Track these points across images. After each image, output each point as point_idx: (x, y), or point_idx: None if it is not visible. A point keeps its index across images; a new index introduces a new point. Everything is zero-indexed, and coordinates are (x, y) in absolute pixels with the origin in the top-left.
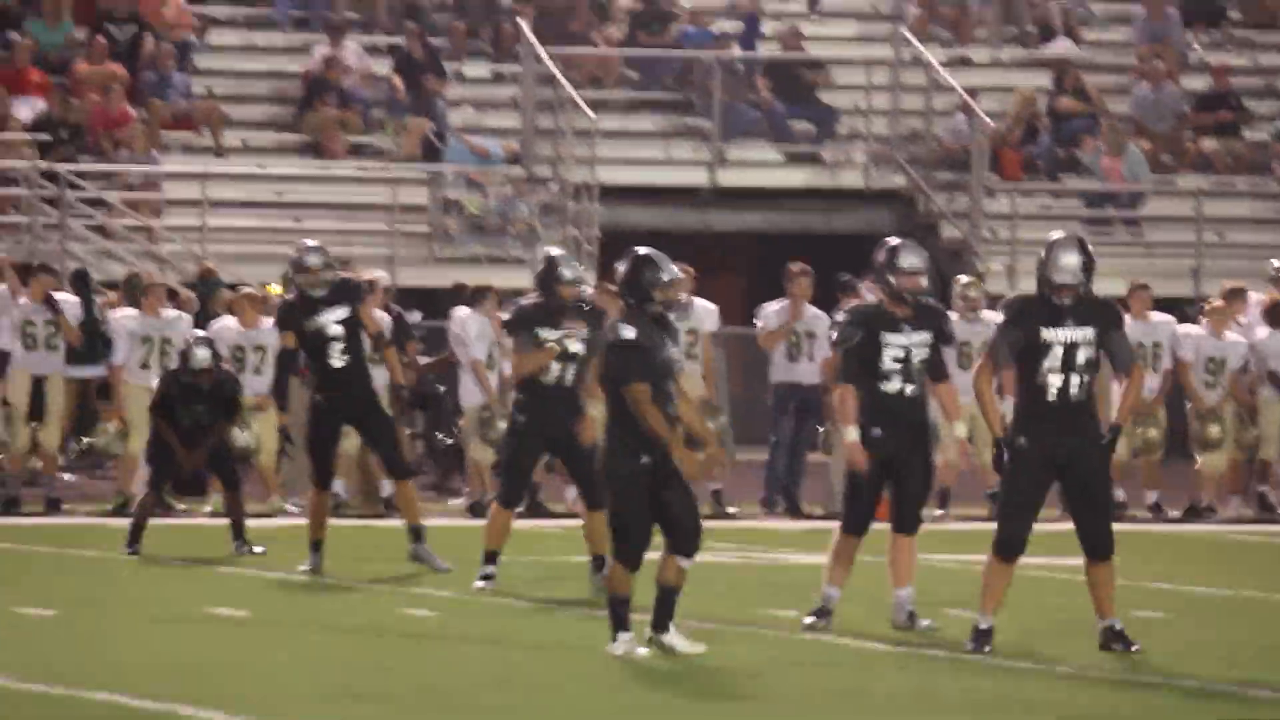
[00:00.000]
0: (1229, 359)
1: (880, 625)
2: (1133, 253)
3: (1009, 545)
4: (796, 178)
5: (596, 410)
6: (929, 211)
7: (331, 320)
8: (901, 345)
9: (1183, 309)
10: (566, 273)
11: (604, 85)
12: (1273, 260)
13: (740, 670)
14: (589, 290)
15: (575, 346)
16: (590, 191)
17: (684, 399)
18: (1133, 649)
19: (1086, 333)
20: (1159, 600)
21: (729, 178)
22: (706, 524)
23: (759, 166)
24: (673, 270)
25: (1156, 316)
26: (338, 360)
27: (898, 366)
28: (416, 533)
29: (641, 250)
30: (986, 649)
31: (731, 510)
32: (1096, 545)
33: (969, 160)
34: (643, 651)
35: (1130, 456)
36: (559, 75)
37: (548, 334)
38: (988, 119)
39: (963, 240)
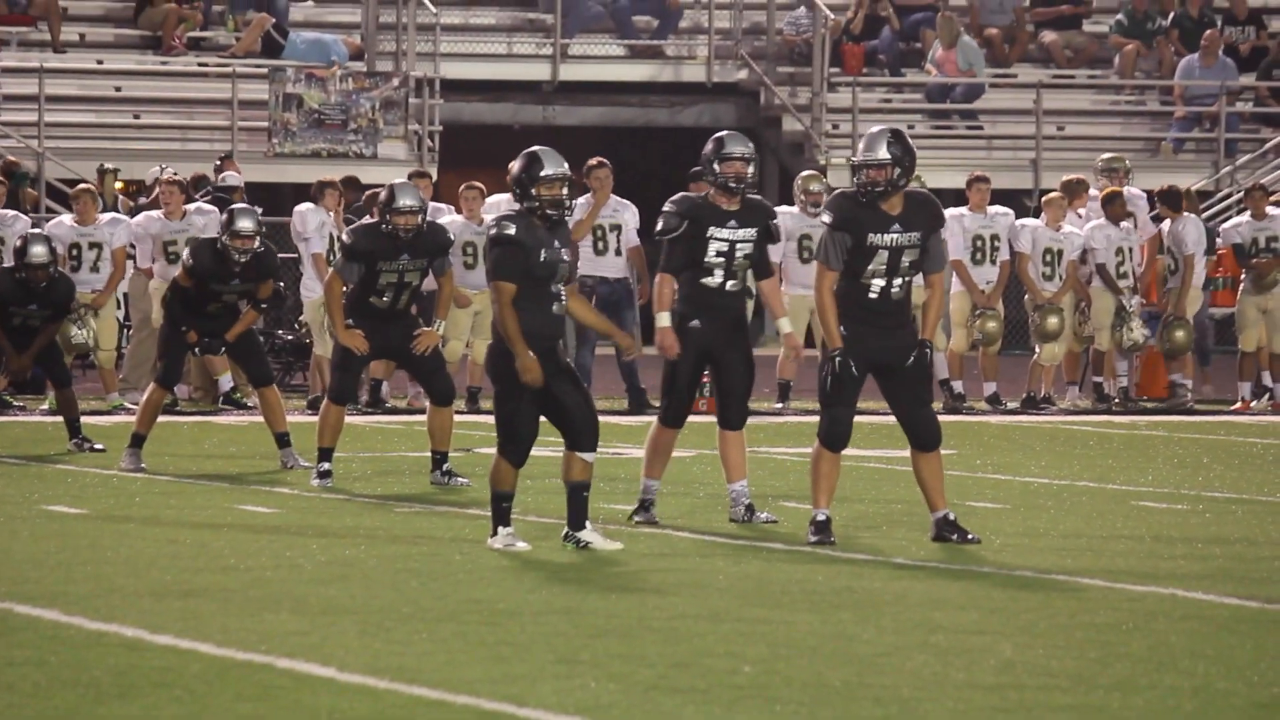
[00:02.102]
0: (1066, 250)
1: (714, 518)
2: (972, 145)
3: (835, 437)
4: (639, 72)
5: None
6: (771, 105)
7: (235, 290)
8: (726, 239)
9: (1022, 201)
10: (405, 201)
11: None
12: (1102, 153)
13: (579, 563)
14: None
15: (411, 277)
16: (432, 86)
17: (574, 297)
18: (969, 539)
19: (912, 236)
20: (997, 491)
21: (571, 72)
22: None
23: (601, 61)
24: (559, 167)
25: (994, 209)
26: (223, 302)
27: (720, 260)
28: (282, 439)
29: (533, 148)
30: (831, 540)
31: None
32: (921, 437)
33: (811, 54)
34: (522, 545)
35: (969, 348)
36: None
37: (385, 265)
38: (829, 13)
39: (804, 134)
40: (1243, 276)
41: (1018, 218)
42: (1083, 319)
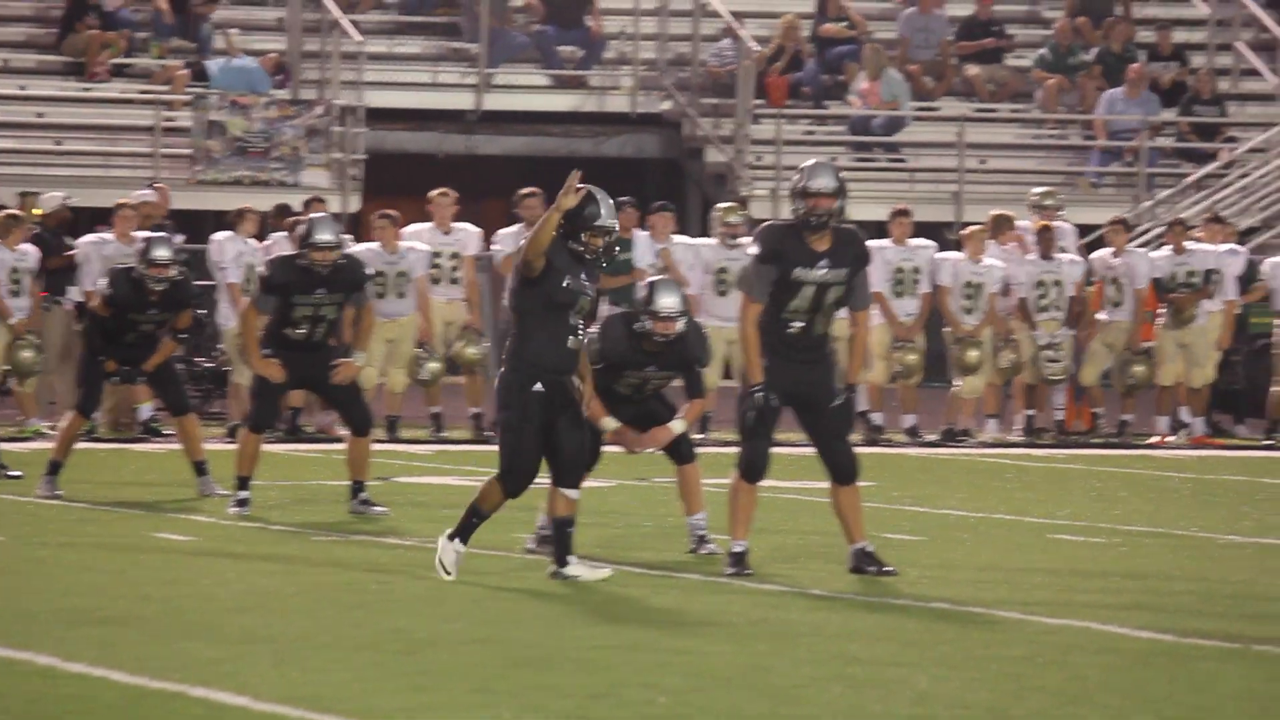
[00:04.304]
0: (986, 284)
1: (631, 549)
2: (894, 178)
3: (754, 468)
4: (563, 102)
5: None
6: (694, 136)
7: (152, 319)
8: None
9: (943, 234)
10: (323, 237)
11: (371, 8)
12: (1029, 187)
13: (497, 592)
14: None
15: (327, 311)
16: (356, 114)
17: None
18: (886, 571)
19: (839, 273)
20: (914, 523)
21: (495, 101)
22: (468, 448)
23: (526, 90)
24: (613, 219)
25: (916, 242)
26: (140, 331)
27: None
28: (199, 467)
29: (593, 189)
30: (748, 571)
31: (487, 434)
32: (840, 469)
33: (735, 85)
34: (448, 572)
35: (888, 380)
36: None
37: (301, 299)
38: (754, 44)
39: (728, 165)
40: (1160, 311)
41: (939, 251)
42: (1002, 351)
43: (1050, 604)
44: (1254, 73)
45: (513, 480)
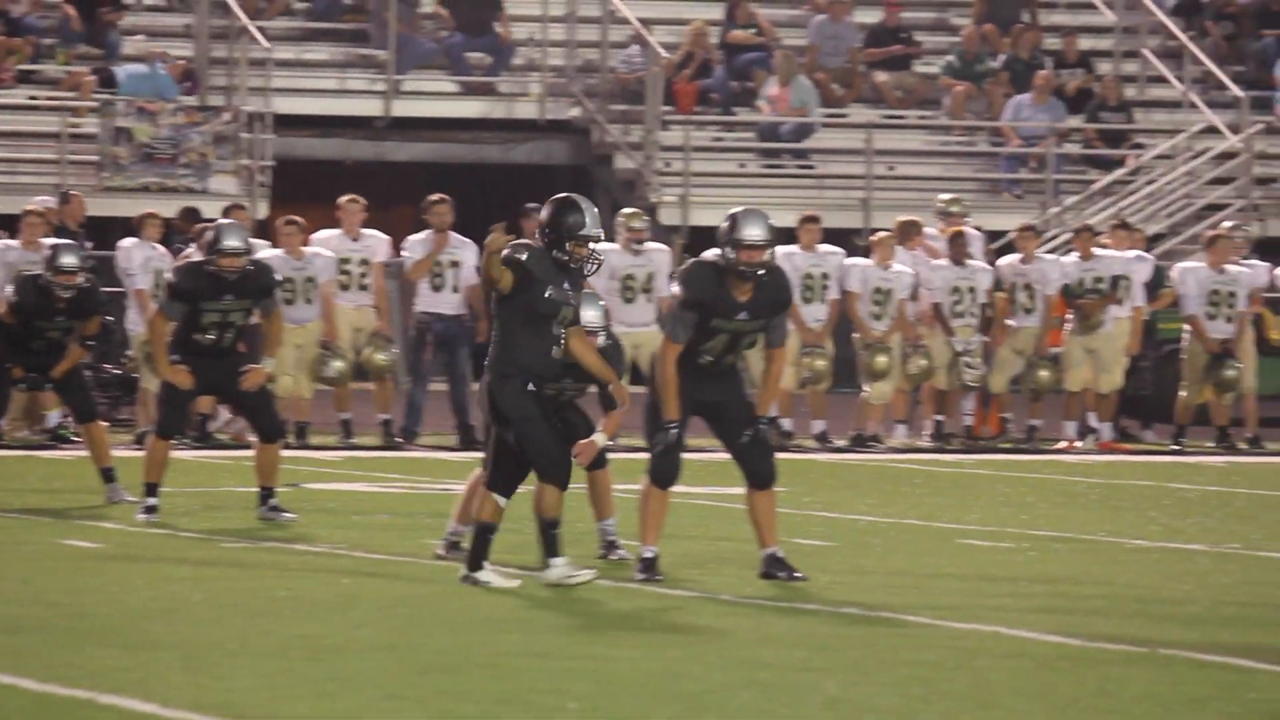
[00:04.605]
0: (895, 289)
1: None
2: (803, 184)
3: (664, 474)
4: (472, 109)
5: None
6: (603, 143)
7: (59, 327)
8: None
9: (851, 240)
10: (230, 243)
11: (279, 14)
12: (937, 193)
13: (406, 598)
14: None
15: (236, 317)
16: (264, 121)
17: (579, 339)
18: (796, 577)
19: (758, 324)
20: (824, 528)
21: (404, 108)
22: (377, 454)
23: (434, 97)
24: (597, 229)
25: (824, 248)
26: (48, 338)
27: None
28: (107, 474)
29: (575, 197)
30: (659, 577)
31: (396, 440)
32: (756, 474)
33: (643, 92)
34: (585, 575)
35: (798, 386)
36: (233, 4)
37: (209, 305)
38: (662, 51)
39: (636, 172)
40: (1068, 317)
41: (847, 257)
42: (912, 357)
43: (959, 608)
44: (1160, 79)
45: (557, 473)
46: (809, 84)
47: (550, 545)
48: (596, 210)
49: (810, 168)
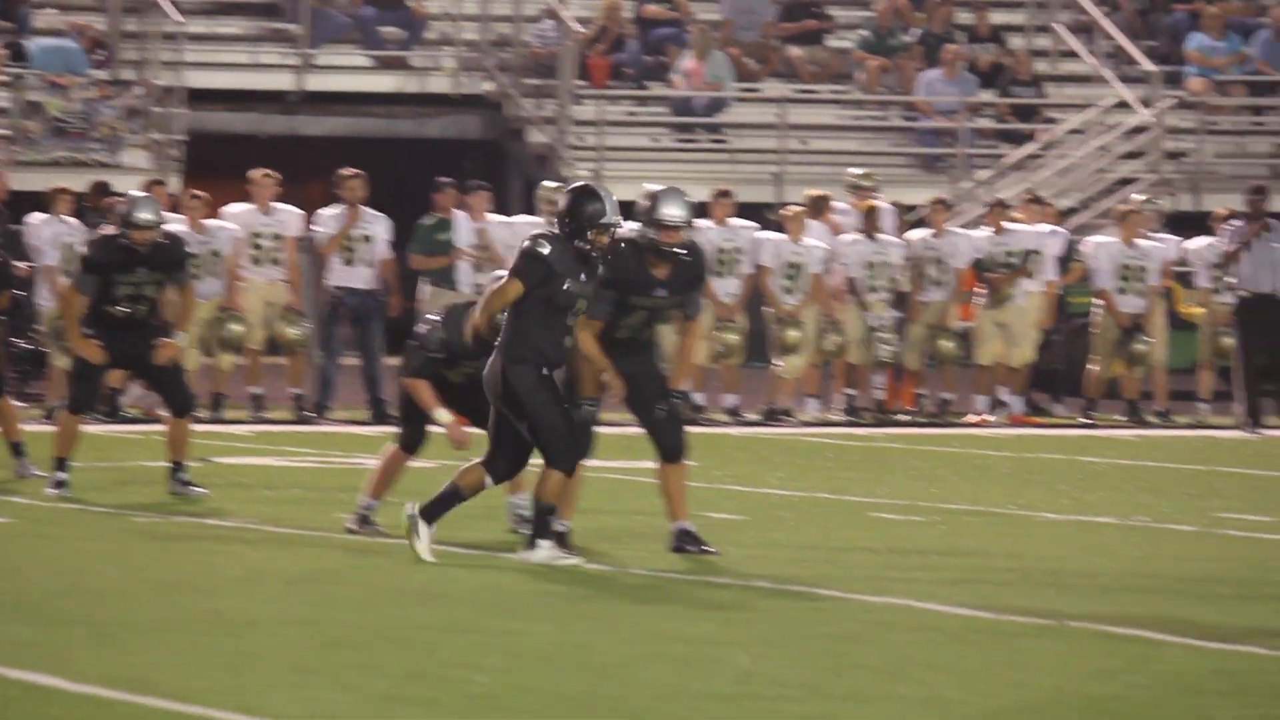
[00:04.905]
0: (808, 264)
1: (453, 529)
2: (716, 159)
3: (578, 449)
4: (385, 83)
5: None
6: (516, 117)
7: None
8: None
9: (764, 215)
10: (143, 216)
11: None
12: (851, 169)
13: (317, 573)
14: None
15: (148, 290)
16: (176, 95)
17: (583, 326)
18: (708, 550)
19: (676, 299)
20: (735, 502)
21: (317, 82)
22: (289, 429)
23: (348, 71)
24: (616, 216)
25: (736, 222)
26: None
27: None
28: (16, 449)
29: (595, 186)
30: (571, 551)
31: (308, 415)
32: (668, 448)
33: (556, 66)
34: (571, 560)
35: (710, 361)
36: None
37: (121, 278)
38: (576, 25)
39: (550, 146)
40: (979, 291)
41: (760, 231)
42: (824, 331)
43: (870, 581)
44: (1072, 54)
45: (567, 461)
46: (723, 58)
47: (542, 528)
48: (616, 199)
49: (723, 142)
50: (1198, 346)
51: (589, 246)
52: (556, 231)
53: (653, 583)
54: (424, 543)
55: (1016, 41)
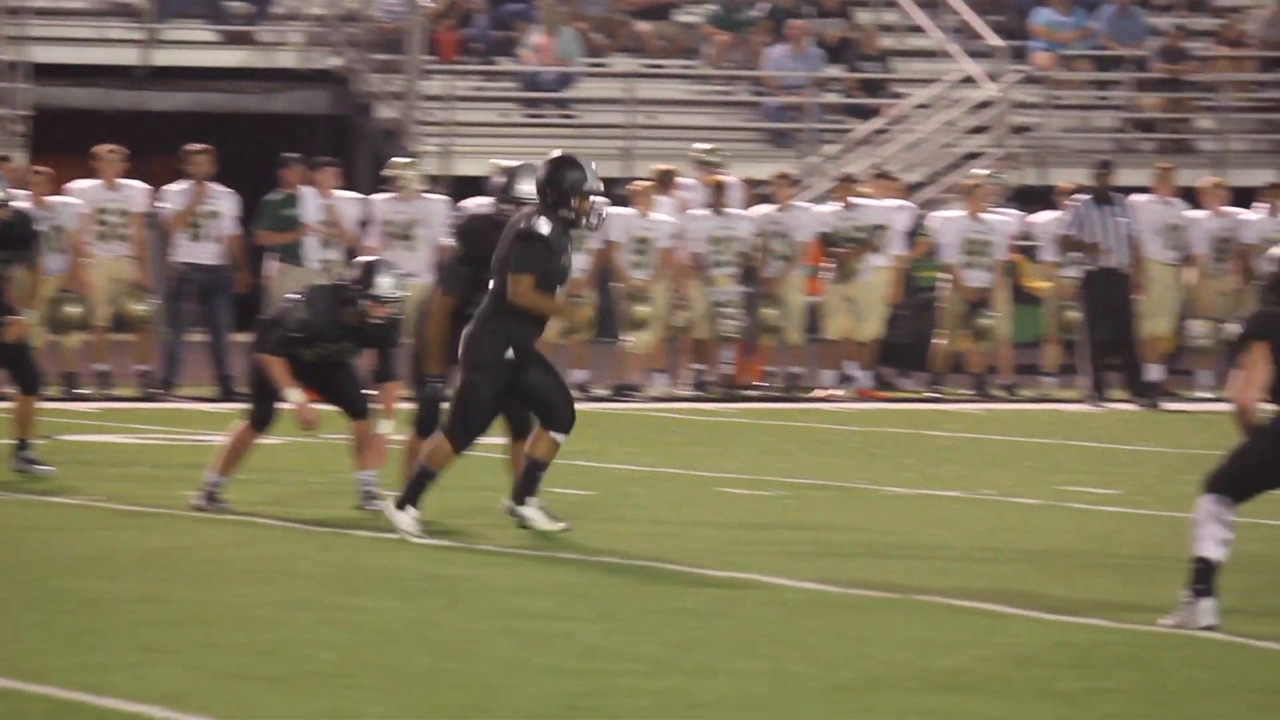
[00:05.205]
0: (656, 238)
1: (300, 506)
2: (564, 134)
3: (429, 426)
4: (232, 58)
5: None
6: (364, 92)
7: None
8: None
9: (612, 190)
10: None
11: None
12: (696, 144)
13: (162, 551)
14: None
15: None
16: (21, 70)
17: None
18: (558, 526)
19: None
20: (583, 477)
21: (164, 57)
22: (135, 405)
23: (194, 46)
24: (598, 182)
25: None
26: None
27: None
28: None
29: (572, 155)
30: (419, 527)
31: (155, 391)
32: (519, 426)
33: (405, 41)
34: (414, 527)
35: (559, 336)
36: None
37: None
38: (425, 0)
39: (398, 121)
40: (824, 265)
41: (609, 206)
42: (675, 306)
43: (717, 556)
44: (918, 29)
45: (464, 438)
46: (571, 33)
47: (414, 493)
48: (595, 166)
49: (572, 117)
50: (1043, 321)
51: (573, 214)
52: (537, 208)
53: (499, 559)
54: (546, 521)
55: (863, 16)
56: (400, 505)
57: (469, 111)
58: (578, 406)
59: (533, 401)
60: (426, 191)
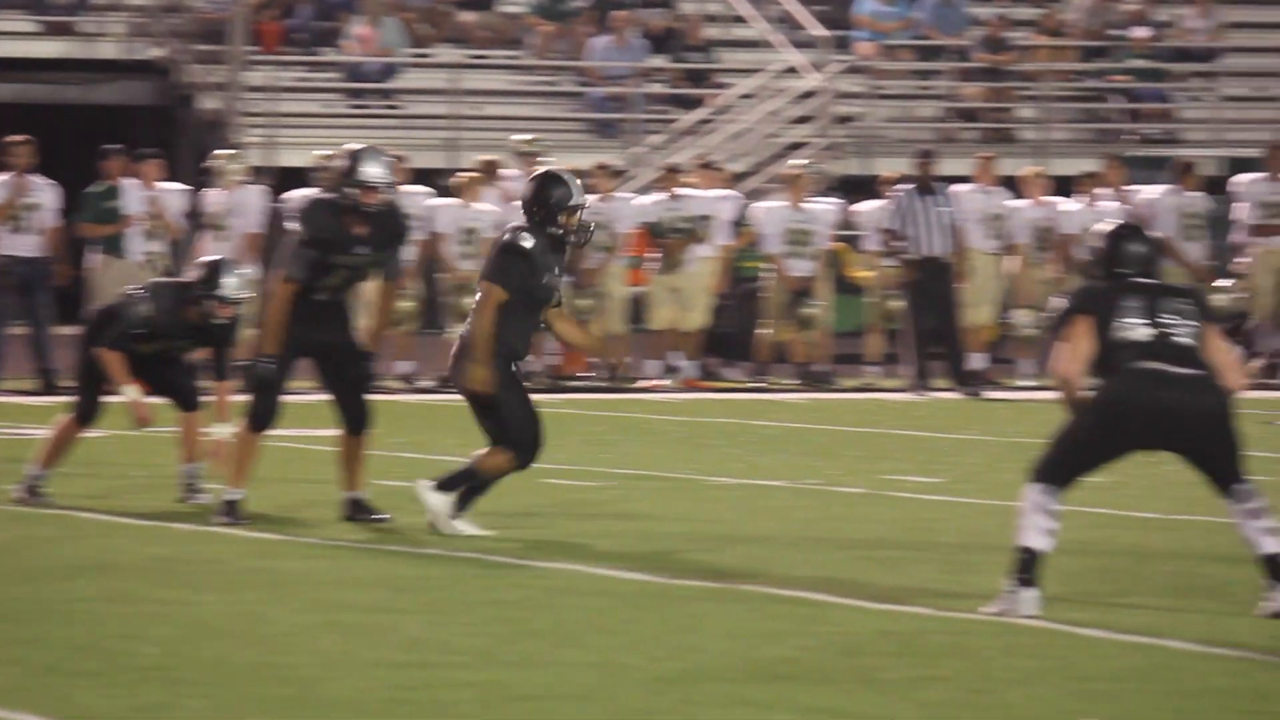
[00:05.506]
0: (482, 229)
1: (122, 499)
2: (389, 125)
3: (261, 418)
4: (52, 49)
5: None
6: (187, 83)
7: None
8: None
9: (436, 181)
10: None
11: None
12: (515, 134)
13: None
14: None
15: None
16: None
17: (561, 319)
18: (378, 518)
19: (379, 255)
20: (409, 470)
21: None
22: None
23: (14, 37)
24: (583, 197)
25: (411, 188)
26: None
27: None
28: None
29: (558, 170)
30: (242, 520)
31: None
32: (354, 419)
33: (227, 32)
34: (471, 530)
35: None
36: None
37: None
38: None
39: (221, 112)
40: (649, 255)
41: (435, 197)
42: None
43: (543, 547)
44: (742, 19)
45: (524, 454)
46: (395, 24)
47: (467, 497)
48: (579, 181)
49: (396, 108)
50: (866, 310)
51: (561, 231)
52: (525, 223)
53: (325, 551)
54: (451, 520)
55: (688, 6)
56: (456, 512)
57: (293, 102)
58: (404, 399)
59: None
60: (246, 182)
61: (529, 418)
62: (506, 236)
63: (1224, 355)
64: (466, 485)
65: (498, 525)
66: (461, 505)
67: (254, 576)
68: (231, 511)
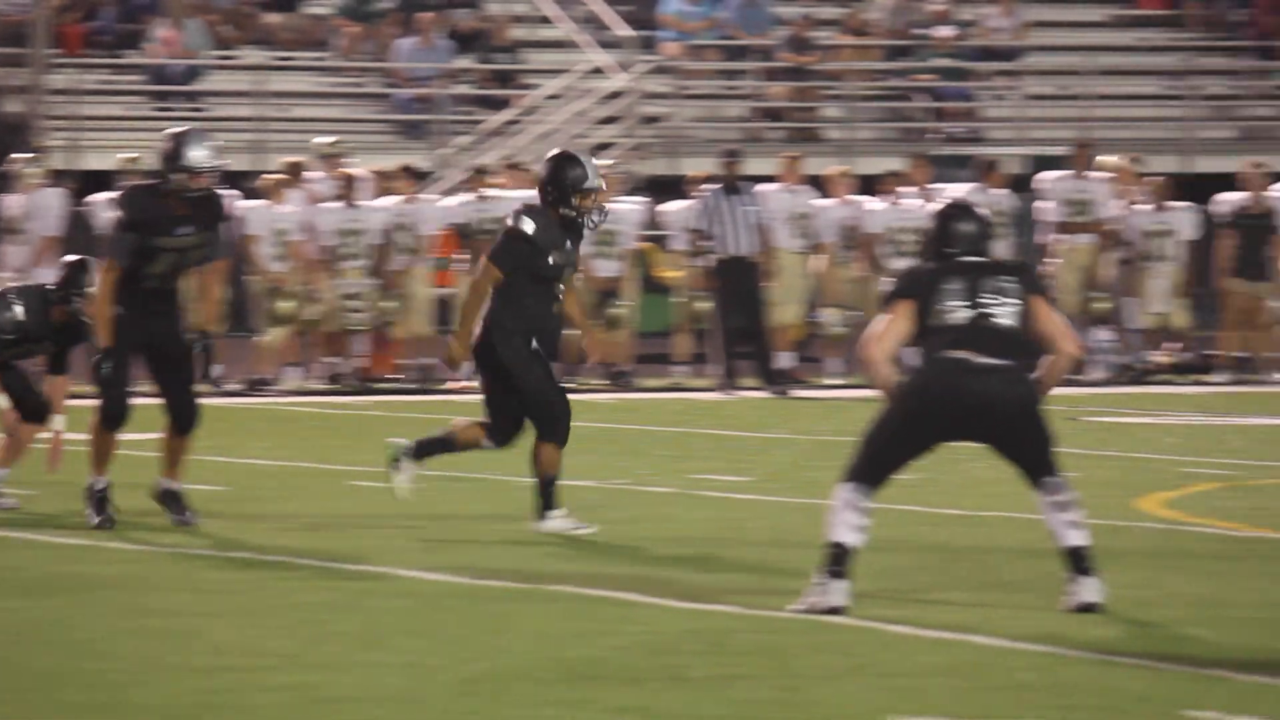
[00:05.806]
0: (290, 232)
1: None
2: (195, 127)
3: (112, 416)
4: None
5: None
6: None
7: None
8: None
9: (242, 184)
10: None
11: None
12: (321, 138)
13: None
14: None
15: None
16: None
17: (570, 297)
18: (184, 521)
19: (203, 236)
20: (217, 473)
21: None
22: None
23: None
24: (599, 179)
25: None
26: None
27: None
28: None
29: (573, 151)
30: (109, 517)
31: None
32: (182, 418)
33: (29, 34)
34: (585, 529)
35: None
36: None
37: None
38: None
39: (24, 115)
40: (458, 256)
41: (243, 199)
42: (309, 301)
43: (350, 550)
44: (548, 20)
45: (557, 431)
46: (199, 25)
47: (548, 499)
48: (596, 163)
49: (201, 110)
50: (673, 310)
51: (574, 212)
52: (537, 203)
53: (132, 556)
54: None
55: (494, 7)
56: (541, 516)
57: (96, 105)
58: (212, 402)
59: (495, 400)
60: (45, 185)
61: (552, 391)
62: (509, 219)
63: (1055, 325)
64: (553, 491)
65: (305, 528)
66: (418, 456)
67: (58, 581)
68: (99, 504)
